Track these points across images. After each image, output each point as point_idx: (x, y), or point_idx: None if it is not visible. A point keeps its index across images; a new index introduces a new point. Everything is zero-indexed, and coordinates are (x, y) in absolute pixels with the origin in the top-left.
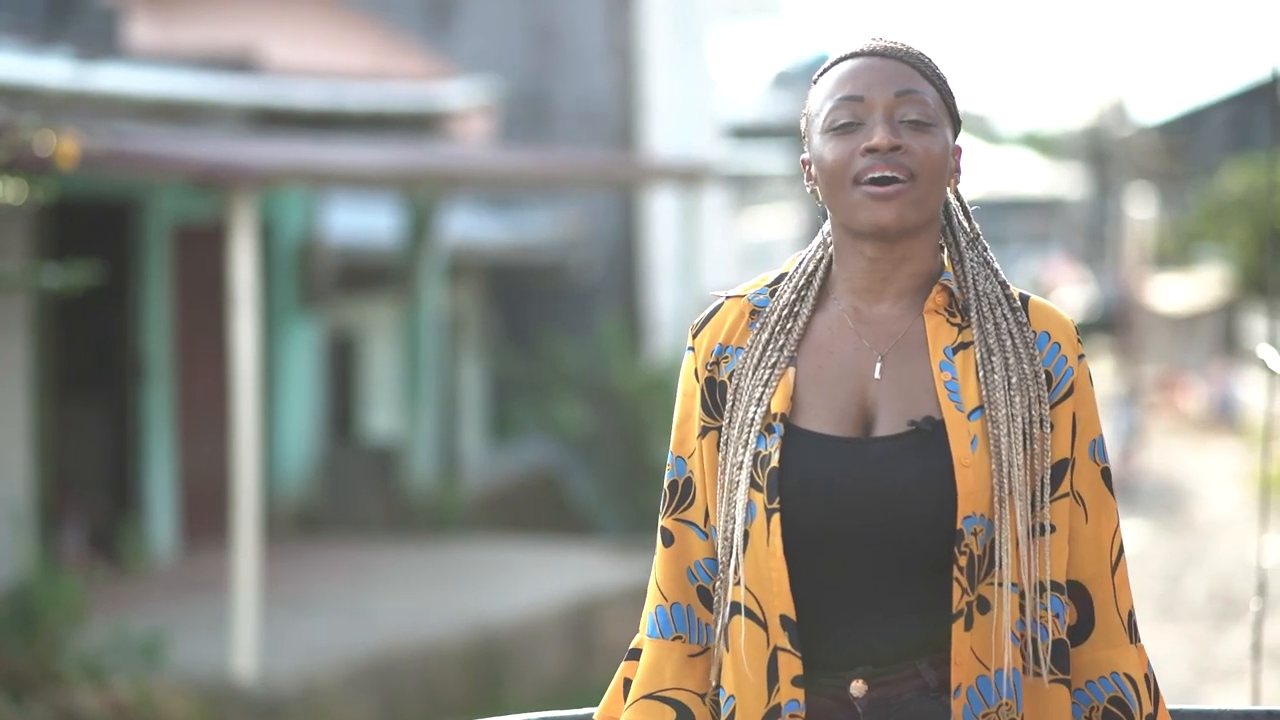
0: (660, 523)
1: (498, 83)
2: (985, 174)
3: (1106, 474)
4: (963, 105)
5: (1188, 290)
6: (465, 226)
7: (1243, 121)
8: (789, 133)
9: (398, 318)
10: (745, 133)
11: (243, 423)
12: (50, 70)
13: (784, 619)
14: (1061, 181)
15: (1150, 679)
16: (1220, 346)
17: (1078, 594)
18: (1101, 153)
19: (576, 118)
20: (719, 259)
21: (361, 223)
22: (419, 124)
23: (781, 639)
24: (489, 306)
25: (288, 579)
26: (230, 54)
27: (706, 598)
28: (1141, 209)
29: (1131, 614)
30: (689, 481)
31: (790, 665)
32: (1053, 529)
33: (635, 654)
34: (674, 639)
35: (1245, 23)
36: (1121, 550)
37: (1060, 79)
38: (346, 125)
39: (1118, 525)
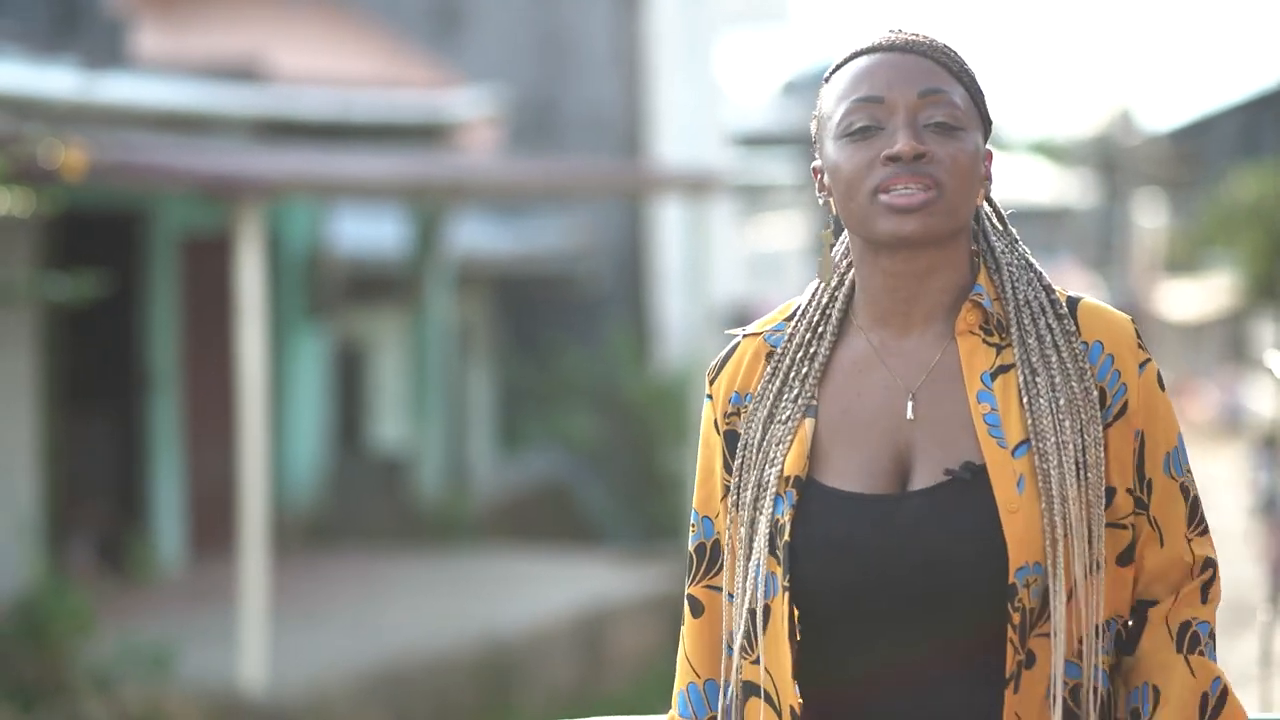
0: (687, 590)
1: (505, 91)
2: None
3: (1185, 489)
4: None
5: (1197, 297)
6: (473, 236)
7: (1252, 129)
8: (798, 141)
9: (405, 328)
10: (754, 141)
11: (250, 433)
12: (56, 81)
13: (792, 710)
14: (1071, 189)
15: (1208, 696)
16: (1229, 353)
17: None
18: (1111, 160)
19: (584, 126)
20: (728, 268)
21: (369, 233)
22: (426, 133)
23: None
24: (497, 316)
25: (296, 589)
26: (237, 64)
27: None
28: (1151, 216)
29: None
30: (717, 544)
31: None
32: (1098, 566)
33: None
34: (709, 719)
35: (1254, 31)
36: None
37: (1069, 87)
38: (353, 135)
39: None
